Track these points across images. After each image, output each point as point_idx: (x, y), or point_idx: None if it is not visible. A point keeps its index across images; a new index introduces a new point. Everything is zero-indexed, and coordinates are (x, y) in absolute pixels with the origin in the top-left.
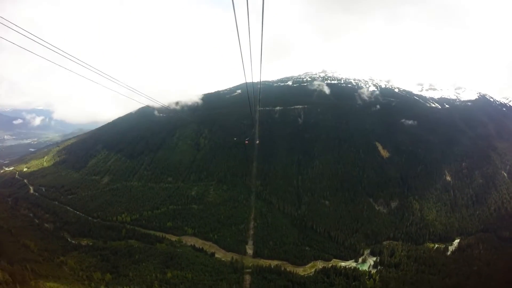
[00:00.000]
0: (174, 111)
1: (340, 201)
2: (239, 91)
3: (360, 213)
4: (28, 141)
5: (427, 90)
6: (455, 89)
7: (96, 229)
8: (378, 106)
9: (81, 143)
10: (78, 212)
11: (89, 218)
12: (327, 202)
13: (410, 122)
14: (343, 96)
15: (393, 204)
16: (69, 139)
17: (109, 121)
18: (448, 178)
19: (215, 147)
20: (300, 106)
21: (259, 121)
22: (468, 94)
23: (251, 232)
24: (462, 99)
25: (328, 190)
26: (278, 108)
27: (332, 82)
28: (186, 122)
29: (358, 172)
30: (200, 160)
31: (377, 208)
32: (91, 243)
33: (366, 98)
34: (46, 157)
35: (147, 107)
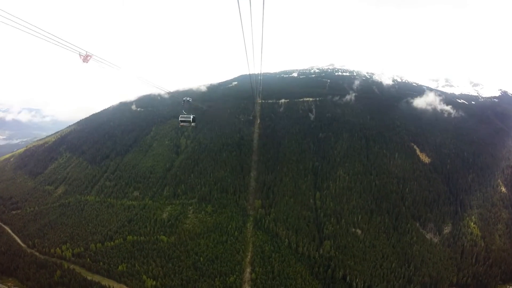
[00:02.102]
0: (153, 103)
1: (378, 229)
2: (235, 82)
3: (408, 247)
4: (17, 141)
5: (443, 86)
6: (473, 86)
7: (25, 266)
8: (405, 100)
9: (47, 143)
10: (15, 236)
11: (24, 246)
12: (359, 232)
13: (451, 113)
14: (359, 88)
15: (446, 229)
16: (45, 138)
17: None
18: (503, 189)
19: (200, 150)
20: (311, 99)
21: (260, 117)
22: (488, 91)
23: None
24: (483, 96)
25: (359, 212)
26: (283, 100)
27: (344, 74)
28: (165, 117)
29: (397, 185)
30: (178, 167)
31: (427, 236)
32: None
33: (386, 91)
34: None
35: (124, 102)
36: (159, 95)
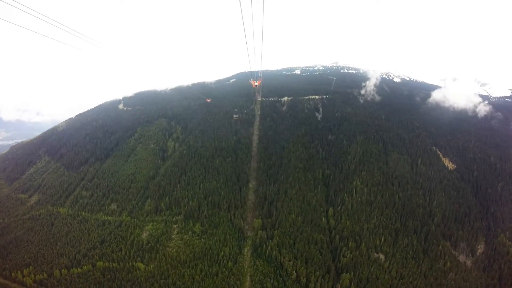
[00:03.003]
0: (142, 101)
1: (406, 253)
2: (233, 80)
3: (442, 276)
4: (13, 142)
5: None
6: (480, 86)
7: None
8: (419, 99)
9: (28, 145)
10: None
11: None
12: (382, 258)
13: (472, 113)
14: (369, 86)
15: (479, 249)
16: (31, 139)
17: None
18: None
19: (189, 155)
20: (317, 96)
21: (260, 117)
22: (498, 90)
23: None
24: (493, 95)
25: (382, 233)
26: (286, 98)
27: (350, 71)
28: (153, 117)
29: (424, 198)
30: (163, 176)
31: (459, 258)
32: None
33: (397, 89)
34: None
35: (113, 101)
36: (154, 91)
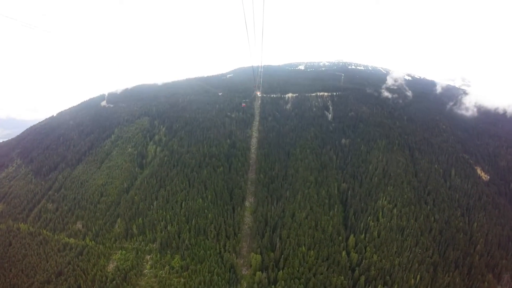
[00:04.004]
0: (127, 98)
1: None
2: (230, 75)
3: None
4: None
5: (460, 86)
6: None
7: None
8: (438, 99)
9: (4, 146)
10: None
11: None
12: None
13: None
14: (381, 83)
15: None
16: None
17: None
18: None
19: (171, 163)
20: (326, 93)
21: (260, 116)
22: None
23: None
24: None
25: (417, 269)
26: (290, 95)
27: (359, 68)
28: (134, 116)
29: (463, 219)
30: (138, 189)
31: None
32: None
33: (414, 88)
34: None
35: (97, 97)
36: (141, 86)
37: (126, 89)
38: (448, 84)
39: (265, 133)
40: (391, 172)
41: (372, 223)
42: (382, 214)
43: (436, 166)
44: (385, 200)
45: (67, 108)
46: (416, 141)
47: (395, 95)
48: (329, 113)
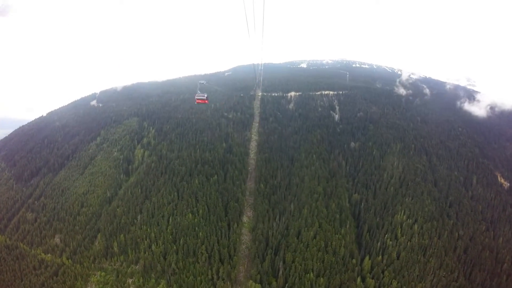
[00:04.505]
0: (119, 96)
1: None
2: (229, 73)
3: None
4: None
5: (466, 86)
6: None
7: None
8: (450, 99)
9: None
10: None
11: None
12: None
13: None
14: (389, 82)
15: None
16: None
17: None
18: None
19: (159, 170)
20: (332, 92)
21: (260, 116)
22: None
23: None
24: None
25: None
26: (292, 93)
27: (363, 66)
28: (122, 116)
29: (488, 234)
30: (122, 200)
31: None
32: None
33: (422, 87)
34: None
35: (88, 96)
36: (135, 84)
37: (117, 88)
38: (458, 84)
39: (265, 135)
40: (408, 180)
41: (390, 242)
42: (400, 230)
43: (456, 173)
44: (403, 214)
45: (58, 107)
46: (432, 144)
47: (406, 95)
48: (336, 114)
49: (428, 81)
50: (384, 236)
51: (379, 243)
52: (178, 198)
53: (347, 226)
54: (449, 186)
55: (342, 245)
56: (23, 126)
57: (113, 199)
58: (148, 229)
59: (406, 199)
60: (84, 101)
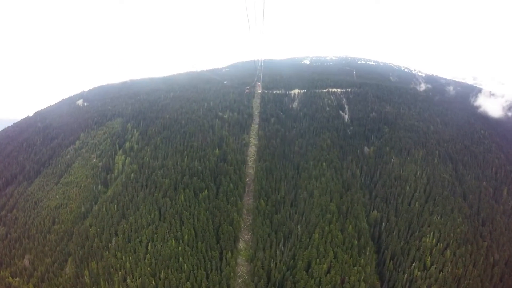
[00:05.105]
0: (110, 94)
1: None
2: (227, 69)
3: None
4: None
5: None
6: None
7: None
8: (465, 99)
9: None
10: None
11: None
12: None
13: None
14: (400, 79)
15: None
16: None
17: None
18: None
19: (140, 182)
20: (340, 90)
21: (260, 117)
22: None
23: None
24: None
25: None
26: (296, 91)
27: (369, 63)
28: (106, 116)
29: None
30: (96, 217)
31: None
32: None
33: (435, 85)
34: None
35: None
36: (123, 83)
37: (108, 85)
38: (468, 83)
39: (266, 139)
40: (435, 194)
41: (419, 273)
42: (430, 258)
43: (484, 183)
44: (432, 236)
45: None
46: (457, 150)
47: (421, 93)
48: (345, 114)
49: (436, 80)
50: (411, 265)
51: (405, 275)
52: (159, 219)
53: (367, 253)
54: (479, 200)
55: (362, 278)
56: (7, 127)
57: (87, 215)
58: (124, 257)
59: (434, 218)
60: (71, 100)
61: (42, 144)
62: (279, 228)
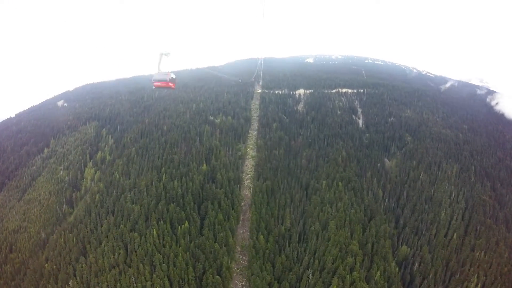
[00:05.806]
0: (87, 95)
1: None
2: (222, 67)
3: None
4: None
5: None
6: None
7: None
8: (481, 102)
9: None
10: None
11: None
12: None
13: None
14: (414, 80)
15: None
16: None
17: None
18: None
19: (106, 207)
20: (351, 90)
21: (259, 122)
22: None
23: None
24: None
25: None
26: (302, 91)
27: (377, 63)
28: (80, 120)
29: None
30: (54, 251)
31: None
32: None
33: (449, 87)
34: None
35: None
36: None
37: (89, 84)
38: (489, 88)
39: (267, 150)
40: (476, 223)
41: None
42: None
43: None
44: (477, 279)
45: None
46: (492, 164)
47: (441, 96)
48: (359, 119)
49: (447, 81)
50: None
51: None
52: (124, 261)
53: None
54: None
55: None
56: None
57: (47, 241)
58: None
59: (477, 254)
60: (54, 100)
61: (12, 150)
62: (283, 275)
